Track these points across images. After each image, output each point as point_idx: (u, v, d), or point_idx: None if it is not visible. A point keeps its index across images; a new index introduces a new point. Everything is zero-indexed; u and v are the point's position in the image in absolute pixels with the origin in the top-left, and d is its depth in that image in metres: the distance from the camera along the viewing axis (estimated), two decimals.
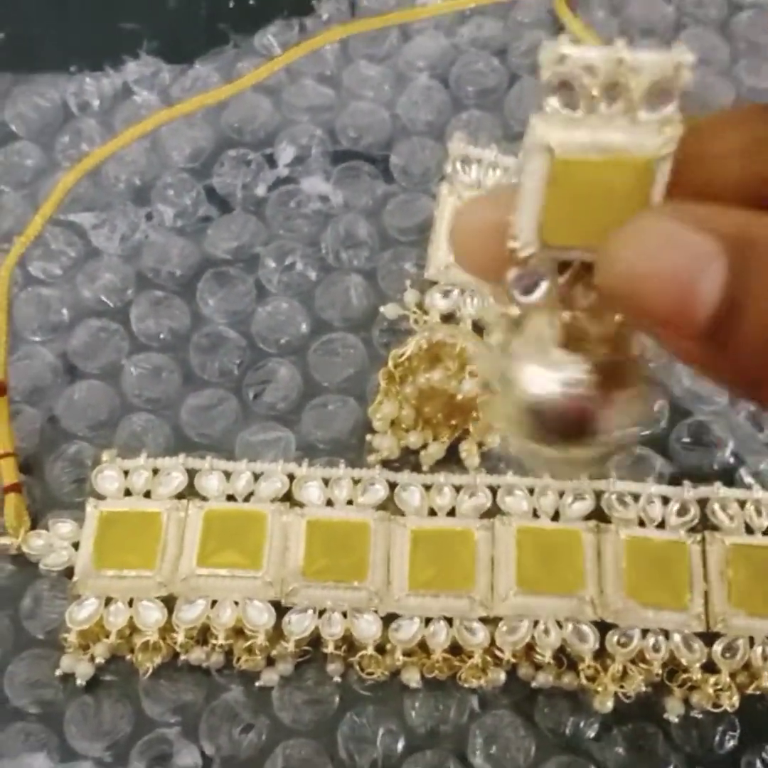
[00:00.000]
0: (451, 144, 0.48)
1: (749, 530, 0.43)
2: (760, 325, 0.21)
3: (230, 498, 0.44)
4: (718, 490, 0.43)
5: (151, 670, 0.42)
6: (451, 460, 0.45)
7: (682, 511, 0.43)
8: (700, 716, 0.41)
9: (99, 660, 0.42)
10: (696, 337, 0.21)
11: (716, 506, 0.43)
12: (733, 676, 0.41)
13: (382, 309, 0.48)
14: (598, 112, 0.23)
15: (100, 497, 0.44)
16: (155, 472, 0.45)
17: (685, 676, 0.41)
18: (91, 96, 0.53)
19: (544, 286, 0.24)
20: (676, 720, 0.41)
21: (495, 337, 0.25)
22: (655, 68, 0.23)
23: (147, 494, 0.44)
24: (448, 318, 0.47)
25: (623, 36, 0.23)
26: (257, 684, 0.42)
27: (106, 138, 0.50)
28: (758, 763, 0.40)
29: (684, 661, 0.41)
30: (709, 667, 0.41)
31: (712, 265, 0.20)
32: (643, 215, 0.22)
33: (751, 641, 0.41)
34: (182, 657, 0.42)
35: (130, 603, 0.42)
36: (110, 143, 0.48)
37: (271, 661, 0.42)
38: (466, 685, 0.41)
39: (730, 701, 0.40)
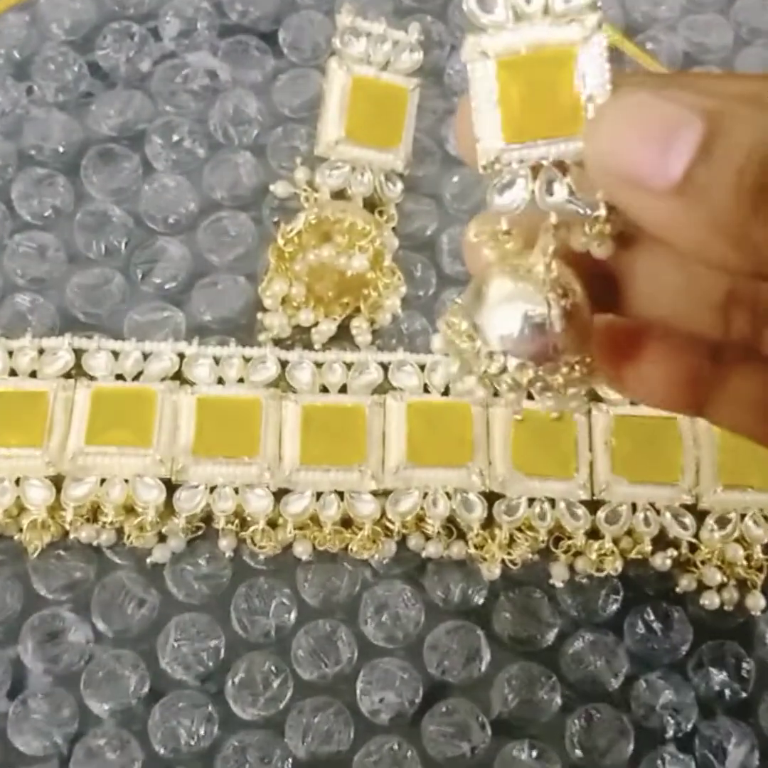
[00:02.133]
0: (339, 17, 0.47)
1: (633, 401, 0.44)
2: (731, 172, 0.22)
3: (119, 378, 0.43)
4: None
5: (40, 549, 0.41)
6: (343, 337, 0.45)
7: None
8: (584, 581, 0.42)
9: None
10: (673, 192, 0.22)
11: None
12: (616, 541, 0.42)
13: (271, 187, 0.47)
14: (520, 16, 0.25)
15: None
16: (41, 352, 0.44)
17: (569, 542, 0.42)
18: None
19: (520, 184, 0.25)
20: (561, 585, 0.42)
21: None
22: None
23: (33, 374, 0.43)
24: (339, 195, 0.46)
25: None
26: (149, 560, 0.42)
27: None
28: (640, 624, 0.42)
29: (568, 528, 0.42)
30: (594, 534, 0.42)
31: (690, 123, 0.22)
32: (624, 91, 0.24)
33: (634, 507, 0.42)
34: (72, 535, 0.42)
35: (17, 482, 0.41)
36: None
37: (162, 538, 0.42)
38: (357, 557, 0.42)
39: (613, 566, 0.42)
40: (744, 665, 0.41)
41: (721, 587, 0.42)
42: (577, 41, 0.24)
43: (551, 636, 0.41)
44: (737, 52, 0.50)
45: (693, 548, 0.42)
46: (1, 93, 0.48)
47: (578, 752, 0.40)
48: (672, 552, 0.42)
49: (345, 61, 0.46)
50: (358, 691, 0.41)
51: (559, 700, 0.41)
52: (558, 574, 0.42)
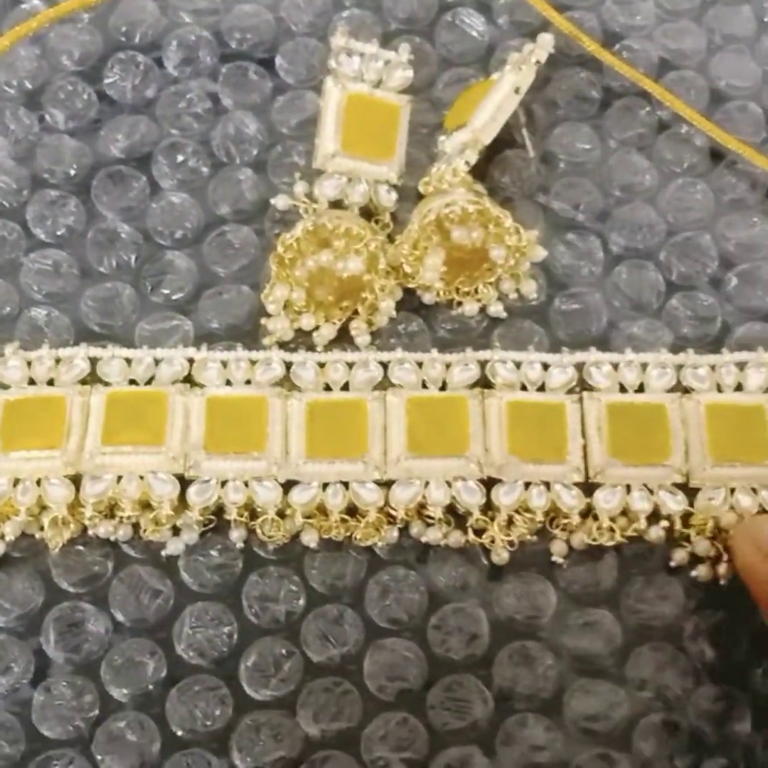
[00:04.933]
0: (333, 38, 0.50)
1: (623, 389, 0.46)
2: None
3: (132, 383, 0.46)
4: (593, 354, 0.46)
5: (60, 545, 0.43)
6: (344, 339, 0.47)
7: (560, 375, 0.46)
8: (583, 558, 0.44)
9: (9, 538, 0.43)
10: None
11: (592, 369, 0.46)
12: (613, 520, 0.44)
13: (272, 201, 0.49)
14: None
15: (5, 387, 0.45)
16: (58, 361, 0.46)
17: (565, 521, 0.44)
18: None
19: None
20: (561, 561, 0.44)
21: None
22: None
23: (51, 383, 0.46)
24: (336, 205, 0.48)
25: None
26: (163, 553, 0.44)
27: None
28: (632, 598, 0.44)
29: (564, 509, 0.43)
30: (589, 515, 0.44)
31: None
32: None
33: (628, 488, 0.44)
34: (91, 531, 0.44)
35: (38, 483, 0.43)
36: None
37: (176, 532, 0.44)
38: (361, 544, 0.44)
39: (609, 539, 0.43)
40: None
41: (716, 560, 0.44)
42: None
43: (549, 613, 0.43)
44: (711, 58, 0.53)
45: (686, 524, 0.44)
46: (15, 122, 0.51)
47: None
48: (665, 523, 0.43)
49: (340, 79, 0.49)
50: (365, 671, 0.43)
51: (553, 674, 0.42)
52: (558, 551, 0.44)
